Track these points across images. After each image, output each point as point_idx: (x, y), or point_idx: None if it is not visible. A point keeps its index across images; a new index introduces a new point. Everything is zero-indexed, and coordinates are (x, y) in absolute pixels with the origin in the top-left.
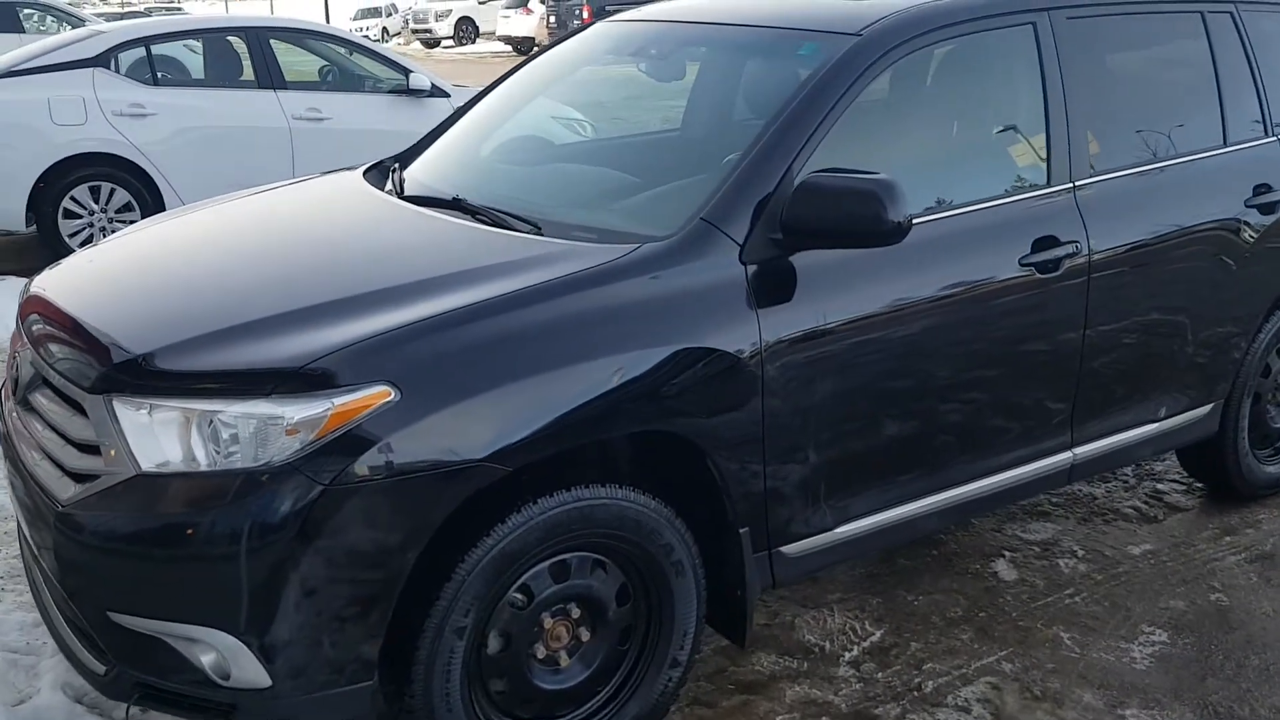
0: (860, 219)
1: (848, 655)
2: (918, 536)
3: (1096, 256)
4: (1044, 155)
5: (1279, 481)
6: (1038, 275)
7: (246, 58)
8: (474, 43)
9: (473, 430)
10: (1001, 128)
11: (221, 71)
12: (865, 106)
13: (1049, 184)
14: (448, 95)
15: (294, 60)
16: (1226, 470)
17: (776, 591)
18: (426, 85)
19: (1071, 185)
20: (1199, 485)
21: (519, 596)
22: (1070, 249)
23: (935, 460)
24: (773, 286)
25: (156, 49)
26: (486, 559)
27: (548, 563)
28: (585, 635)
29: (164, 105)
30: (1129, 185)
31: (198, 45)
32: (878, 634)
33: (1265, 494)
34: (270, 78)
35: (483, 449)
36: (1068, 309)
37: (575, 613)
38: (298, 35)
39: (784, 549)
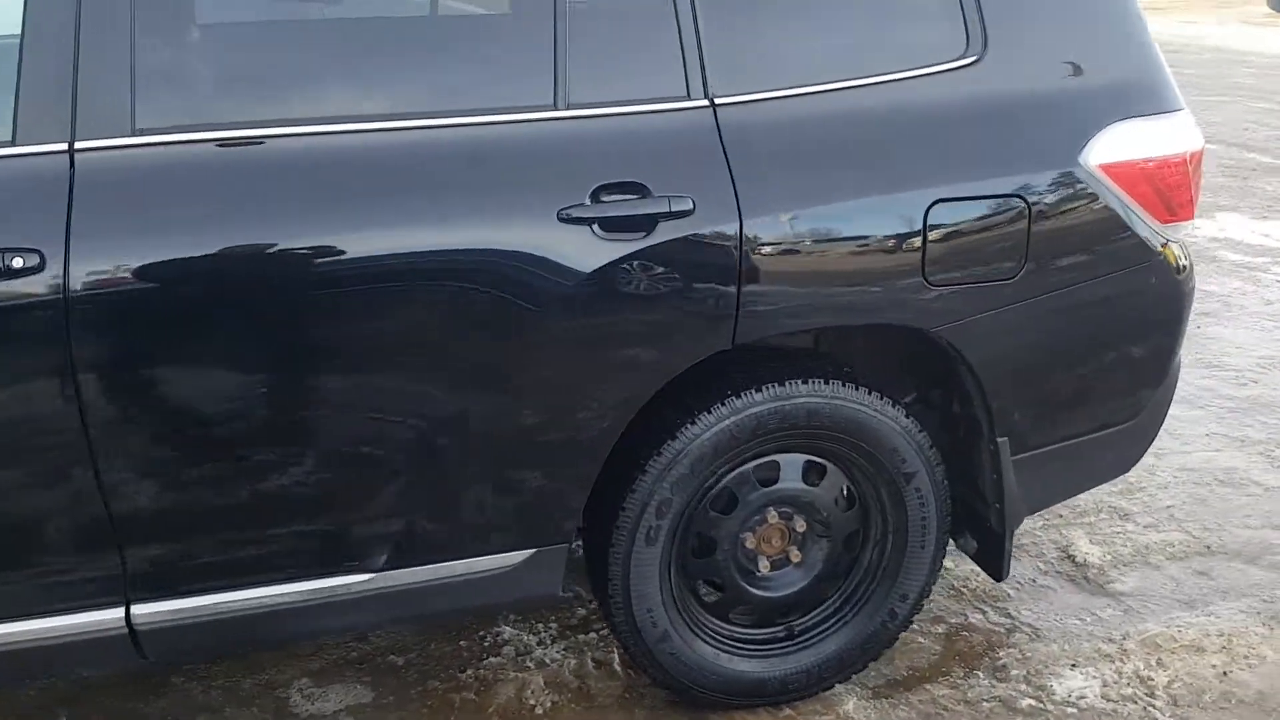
0: None
1: None
2: None
3: (86, 277)
4: None
5: (771, 687)
6: None
7: None
8: None
9: None
10: None
11: None
12: None
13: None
14: None
15: None
16: (634, 659)
17: None
18: None
19: (67, 149)
20: None
21: None
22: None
23: None
24: None
25: None
26: None
27: None
28: None
29: None
30: (209, 165)
31: None
32: None
33: (735, 703)
34: None
35: None
36: (34, 370)
37: None
38: None
39: None
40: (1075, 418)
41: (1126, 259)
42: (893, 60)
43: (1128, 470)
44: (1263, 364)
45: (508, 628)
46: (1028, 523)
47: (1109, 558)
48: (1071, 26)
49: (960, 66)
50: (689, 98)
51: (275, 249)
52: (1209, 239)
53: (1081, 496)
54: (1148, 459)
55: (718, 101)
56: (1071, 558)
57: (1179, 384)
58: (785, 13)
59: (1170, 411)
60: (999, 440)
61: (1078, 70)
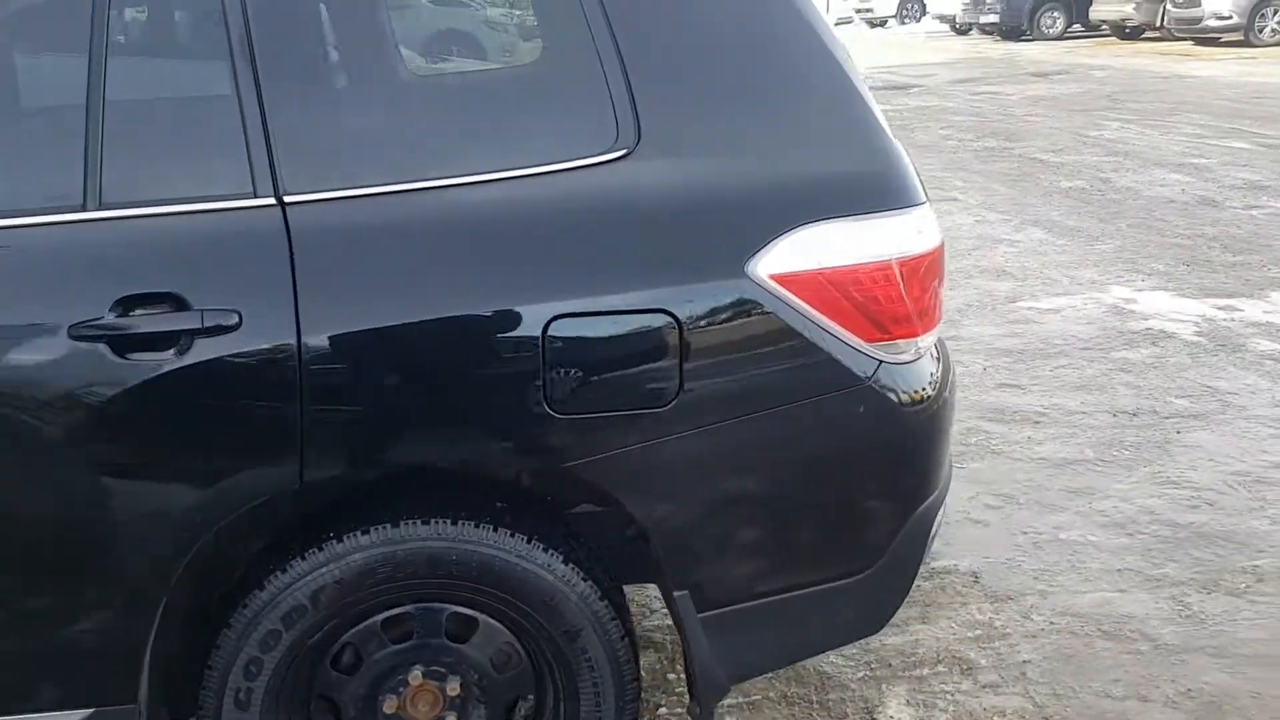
0: None
1: None
2: None
3: None
4: None
5: None
6: None
7: None
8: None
9: None
10: None
11: None
12: None
13: None
14: None
15: None
16: None
17: None
18: None
19: None
20: None
21: None
22: None
23: None
24: None
25: None
26: None
27: None
28: None
29: None
30: None
31: None
32: None
33: None
34: None
35: None
36: None
37: None
38: None
39: None
40: (778, 570)
41: (818, 385)
42: (521, 154)
43: (878, 628)
44: (1230, 481)
45: None
46: (843, 670)
47: None
48: (756, 115)
49: (604, 161)
50: (255, 196)
51: None
52: (1247, 323)
53: (924, 641)
54: (1029, 598)
55: (288, 200)
56: None
57: (1114, 503)
58: (382, 99)
59: (1091, 538)
60: (676, 594)
61: (760, 165)
